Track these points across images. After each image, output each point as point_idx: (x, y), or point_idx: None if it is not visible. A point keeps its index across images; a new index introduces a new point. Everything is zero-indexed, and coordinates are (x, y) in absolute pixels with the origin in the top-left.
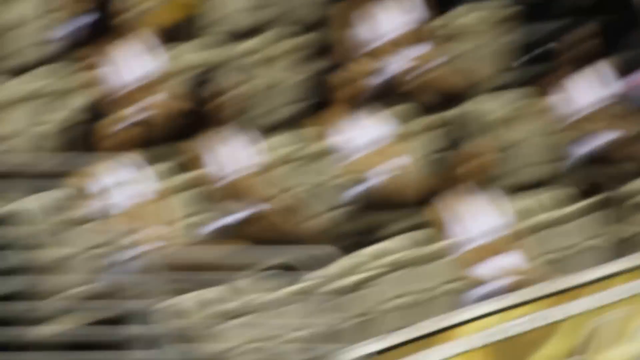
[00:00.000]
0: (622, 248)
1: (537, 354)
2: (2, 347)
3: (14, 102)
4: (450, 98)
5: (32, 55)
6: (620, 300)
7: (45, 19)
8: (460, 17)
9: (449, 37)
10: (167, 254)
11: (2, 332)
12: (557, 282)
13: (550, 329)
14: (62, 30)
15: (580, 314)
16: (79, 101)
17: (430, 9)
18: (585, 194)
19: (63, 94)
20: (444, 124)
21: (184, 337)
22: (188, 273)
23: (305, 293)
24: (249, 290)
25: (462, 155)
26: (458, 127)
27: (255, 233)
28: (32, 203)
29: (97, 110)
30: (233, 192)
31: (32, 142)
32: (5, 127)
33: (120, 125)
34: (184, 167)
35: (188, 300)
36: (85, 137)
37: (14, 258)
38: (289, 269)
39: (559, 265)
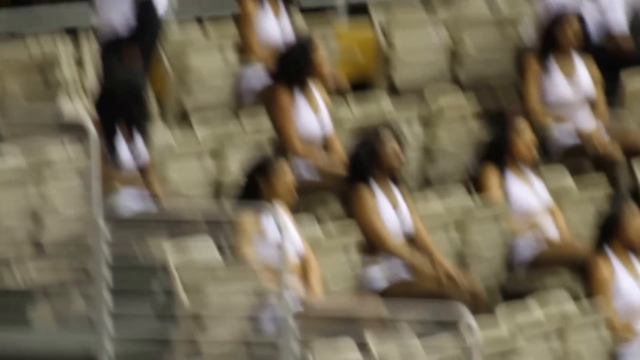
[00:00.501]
0: None
1: None
2: None
3: (184, 150)
4: (623, 165)
5: (209, 104)
6: None
7: (231, 68)
8: (632, 83)
9: (622, 100)
10: (306, 307)
11: None
12: None
13: None
14: (240, 81)
15: None
16: (246, 152)
17: (602, 70)
18: None
19: (234, 144)
20: (613, 187)
21: None
22: (327, 325)
23: (445, 352)
24: (400, 347)
25: (624, 220)
26: (626, 191)
27: (406, 290)
28: (198, 250)
29: (265, 163)
30: (392, 251)
31: (197, 192)
32: (172, 176)
33: (284, 180)
34: (343, 218)
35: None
36: (251, 189)
37: (172, 304)
38: (431, 326)
39: None
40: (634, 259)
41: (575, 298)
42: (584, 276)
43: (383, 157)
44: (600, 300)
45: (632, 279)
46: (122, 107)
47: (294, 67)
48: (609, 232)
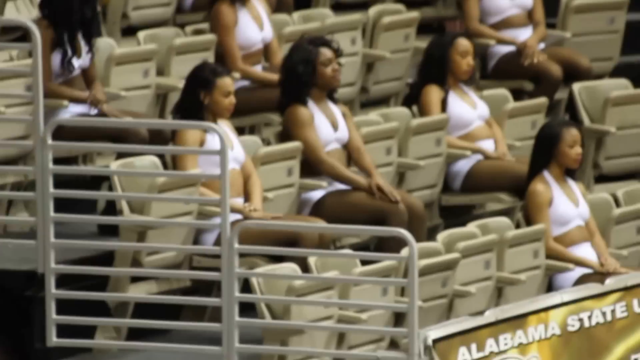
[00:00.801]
0: None
1: (616, 346)
2: (88, 308)
3: (127, 61)
4: (561, 81)
5: (153, 15)
6: None
7: None
8: (572, 0)
9: (562, 19)
10: (248, 224)
11: (89, 294)
12: (637, 275)
13: (628, 321)
14: None
15: None
16: (189, 64)
17: None
18: None
19: (176, 55)
20: (550, 106)
21: (255, 310)
22: (265, 245)
23: (383, 273)
24: (325, 267)
25: (563, 140)
26: (563, 111)
27: (342, 208)
28: (135, 164)
29: (207, 75)
30: (325, 164)
31: (140, 103)
32: (115, 86)
33: (225, 92)
34: (281, 137)
35: (264, 273)
36: (192, 101)
37: (110, 219)
38: (369, 248)
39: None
40: (571, 183)
41: (513, 219)
42: (523, 200)
43: (321, 76)
44: (538, 227)
45: (571, 203)
46: (73, 13)
47: None
48: (547, 155)
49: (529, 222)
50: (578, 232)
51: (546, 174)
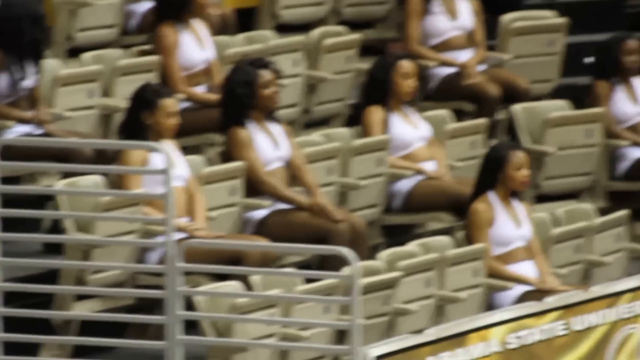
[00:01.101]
0: None
1: None
2: (33, 326)
3: (72, 82)
4: (499, 101)
5: (98, 36)
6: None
7: (113, 2)
8: (512, 23)
9: (502, 41)
10: (192, 243)
11: (34, 312)
12: (577, 294)
13: (568, 339)
14: (129, 14)
15: (598, 326)
16: (133, 85)
17: (484, 13)
18: (614, 208)
19: (121, 76)
20: (490, 127)
21: (199, 328)
22: (209, 264)
23: (325, 291)
24: (268, 285)
25: (509, 163)
26: (503, 132)
27: (284, 228)
28: (80, 183)
29: (150, 96)
30: (266, 185)
31: (85, 123)
32: (60, 107)
33: (168, 112)
34: (222, 157)
35: (207, 291)
36: (136, 122)
37: (55, 237)
38: (311, 267)
39: (581, 275)
40: (515, 204)
41: (453, 238)
42: (463, 219)
43: (260, 97)
44: (479, 246)
45: (513, 224)
46: (23, 35)
47: (175, 5)
48: (493, 177)
49: (469, 241)
50: (518, 252)
51: (490, 195)
